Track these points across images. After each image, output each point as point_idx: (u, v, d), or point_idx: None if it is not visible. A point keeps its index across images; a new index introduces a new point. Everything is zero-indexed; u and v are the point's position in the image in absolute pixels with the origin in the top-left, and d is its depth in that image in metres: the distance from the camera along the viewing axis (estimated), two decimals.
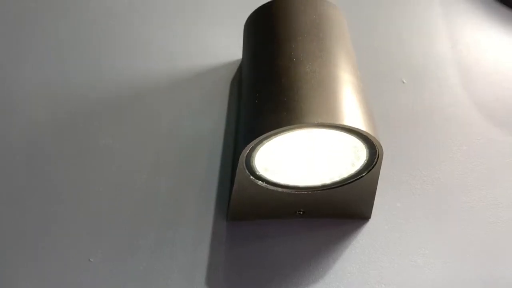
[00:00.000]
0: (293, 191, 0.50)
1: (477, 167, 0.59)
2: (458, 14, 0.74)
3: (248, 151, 0.44)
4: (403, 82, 0.64)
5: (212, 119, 0.61)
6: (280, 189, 0.50)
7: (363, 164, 0.47)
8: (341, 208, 0.53)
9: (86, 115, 0.61)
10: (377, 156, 0.45)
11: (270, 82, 0.45)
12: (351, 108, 0.43)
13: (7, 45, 0.67)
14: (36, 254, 0.51)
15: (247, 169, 0.47)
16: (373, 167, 0.47)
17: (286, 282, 0.51)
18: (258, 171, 0.47)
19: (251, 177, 0.48)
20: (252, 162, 0.46)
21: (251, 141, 0.43)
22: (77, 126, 0.60)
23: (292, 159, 0.49)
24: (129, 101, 0.62)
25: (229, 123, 0.61)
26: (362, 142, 0.44)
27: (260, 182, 0.49)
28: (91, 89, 0.62)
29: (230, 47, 0.66)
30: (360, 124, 0.42)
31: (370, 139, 0.43)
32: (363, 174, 0.48)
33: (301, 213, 0.54)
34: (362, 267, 0.52)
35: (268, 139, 0.43)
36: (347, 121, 0.41)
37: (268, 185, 0.49)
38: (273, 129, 0.42)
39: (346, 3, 0.64)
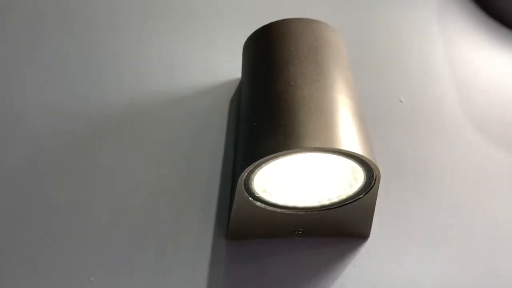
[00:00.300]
0: (291, 212, 0.51)
1: (475, 185, 0.59)
2: (455, 33, 0.74)
3: (246, 174, 0.45)
4: (401, 101, 0.64)
5: (211, 137, 0.61)
6: (278, 210, 0.50)
7: (361, 186, 0.47)
8: (340, 227, 0.54)
9: (88, 134, 0.61)
10: (374, 178, 0.46)
11: (268, 106, 0.46)
12: (348, 132, 0.43)
13: (11, 63, 0.67)
14: (36, 273, 0.51)
15: (246, 191, 0.48)
16: (370, 189, 0.47)
17: None
18: (256, 192, 0.48)
19: (250, 198, 0.48)
20: (251, 184, 0.47)
21: (250, 165, 0.43)
22: (78, 145, 0.60)
23: (290, 180, 0.49)
24: (130, 120, 0.63)
25: (229, 142, 0.61)
26: (359, 165, 0.45)
27: (258, 203, 0.49)
28: (92, 108, 0.63)
29: (230, 66, 0.67)
30: (357, 148, 0.42)
31: (367, 162, 0.44)
32: (361, 196, 0.48)
33: (300, 232, 0.54)
34: (361, 286, 0.53)
35: (267, 163, 0.44)
36: (344, 146, 0.42)
37: (267, 206, 0.50)
38: (272, 153, 0.42)
39: (344, 23, 0.65)
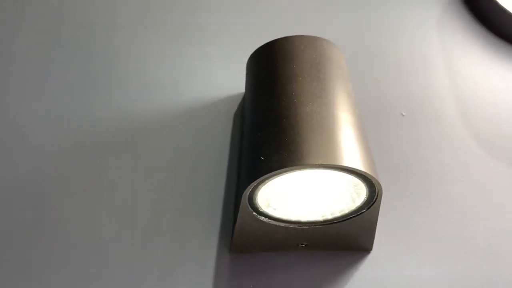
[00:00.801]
0: (295, 226, 0.51)
1: (476, 199, 0.60)
2: (455, 48, 0.75)
3: (250, 189, 0.46)
4: (402, 115, 0.65)
5: (215, 152, 0.62)
6: (282, 224, 0.51)
7: (363, 201, 0.48)
8: (343, 241, 0.54)
9: (91, 148, 0.62)
10: (376, 194, 0.47)
11: (271, 123, 0.47)
12: (350, 149, 0.44)
13: (15, 79, 0.68)
14: (40, 285, 0.52)
15: (249, 206, 0.48)
16: (373, 204, 0.48)
17: None
18: (260, 207, 0.49)
19: (254, 213, 0.49)
20: (255, 199, 0.48)
21: (254, 181, 0.44)
22: (82, 160, 0.61)
23: (293, 195, 0.50)
24: (134, 135, 0.63)
25: (232, 156, 0.62)
26: (362, 181, 0.45)
27: (262, 218, 0.50)
28: (96, 122, 0.64)
29: (233, 80, 0.68)
30: (359, 164, 0.43)
31: (369, 178, 0.45)
32: (363, 211, 0.49)
33: (304, 246, 0.55)
34: None
35: (270, 179, 0.45)
36: (346, 162, 0.43)
37: (271, 220, 0.50)
38: (275, 170, 0.43)
39: (345, 38, 0.66)
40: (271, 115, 0.47)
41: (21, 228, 0.55)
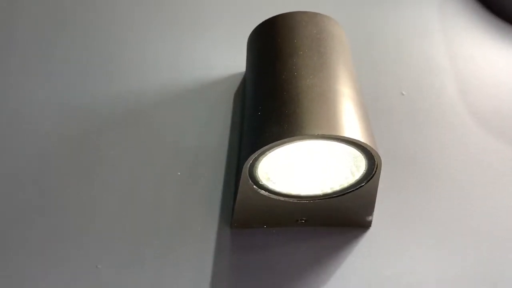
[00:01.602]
0: (294, 200, 0.52)
1: (475, 176, 0.60)
2: (456, 28, 0.75)
3: (251, 161, 0.46)
4: (403, 94, 0.65)
5: (216, 130, 0.63)
6: (282, 198, 0.52)
7: (362, 174, 0.48)
8: (342, 216, 0.55)
9: (94, 128, 0.62)
10: (375, 166, 0.47)
11: (272, 96, 0.47)
12: (350, 120, 0.45)
13: (18, 61, 0.68)
14: (44, 261, 0.52)
15: (250, 179, 0.49)
16: (372, 177, 0.48)
17: None
18: (261, 180, 0.49)
19: (254, 186, 0.50)
20: (255, 172, 0.48)
21: (254, 152, 0.45)
22: (85, 139, 0.61)
23: (293, 169, 0.51)
24: (135, 115, 0.64)
25: (233, 135, 0.62)
26: (361, 153, 0.46)
27: (263, 192, 0.51)
28: (98, 104, 0.64)
29: (234, 60, 0.68)
30: (359, 135, 0.44)
31: (369, 150, 0.45)
32: (363, 184, 0.50)
33: (303, 221, 0.55)
34: (363, 275, 0.53)
35: (271, 150, 0.45)
36: (346, 133, 0.43)
37: (271, 194, 0.51)
38: (275, 141, 0.43)
39: (345, 18, 0.66)
40: (272, 89, 0.48)
41: (24, 208, 0.56)
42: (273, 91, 0.47)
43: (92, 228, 0.55)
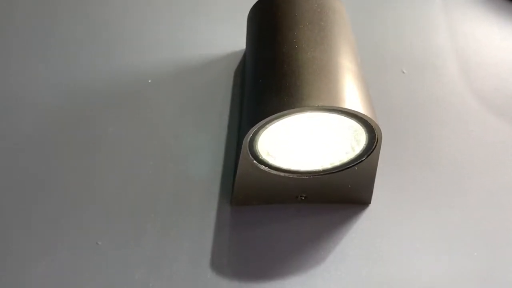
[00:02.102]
0: (294, 176, 0.52)
1: (475, 155, 0.60)
2: (458, 6, 0.75)
3: (251, 135, 0.46)
4: (403, 72, 0.65)
5: (216, 108, 0.62)
6: (282, 174, 0.51)
7: (362, 148, 0.48)
8: (342, 193, 0.55)
9: (94, 105, 0.62)
10: (376, 140, 0.47)
11: (272, 69, 0.47)
12: (351, 93, 0.44)
13: (15, 39, 0.68)
14: (44, 238, 0.53)
15: (250, 154, 0.49)
16: (372, 151, 0.48)
17: (289, 265, 0.53)
18: (261, 155, 0.49)
19: (254, 161, 0.49)
20: (255, 146, 0.48)
21: (254, 125, 0.44)
22: (85, 116, 0.61)
23: (293, 144, 0.50)
24: (135, 92, 0.63)
25: (233, 113, 0.62)
26: (362, 126, 0.46)
27: (262, 167, 0.50)
28: (98, 80, 0.64)
29: (234, 37, 0.67)
30: (359, 107, 0.43)
31: (369, 123, 0.45)
32: (363, 158, 0.49)
33: (303, 198, 0.55)
34: (362, 251, 0.54)
35: (271, 123, 0.45)
36: (347, 105, 0.43)
37: (271, 170, 0.51)
38: (275, 113, 0.43)
39: None
40: (272, 62, 0.47)
41: (24, 186, 0.56)
42: (273, 64, 0.47)
43: (92, 205, 0.55)
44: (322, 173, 0.52)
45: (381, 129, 0.46)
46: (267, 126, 0.45)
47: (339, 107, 0.43)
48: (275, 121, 0.44)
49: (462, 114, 0.62)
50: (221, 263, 0.52)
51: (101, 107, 0.62)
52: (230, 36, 0.68)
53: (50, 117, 0.61)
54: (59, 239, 0.53)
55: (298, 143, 0.50)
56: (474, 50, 0.68)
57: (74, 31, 0.69)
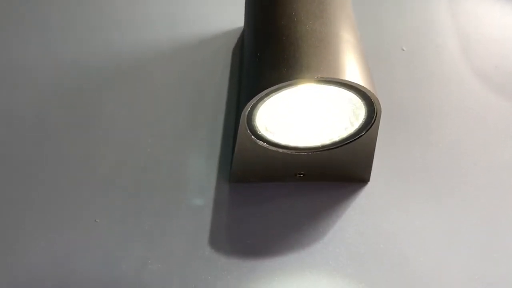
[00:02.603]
0: (293, 152, 0.51)
1: (475, 133, 0.60)
2: None
3: (249, 109, 0.46)
4: (403, 50, 0.65)
5: (214, 87, 0.62)
6: (280, 150, 0.51)
7: (361, 123, 0.48)
8: (341, 170, 0.55)
9: (91, 82, 0.61)
10: (375, 114, 0.46)
11: (271, 42, 0.46)
12: (350, 65, 0.44)
13: (12, 16, 0.67)
14: (43, 215, 0.53)
15: (248, 128, 0.48)
16: (371, 126, 0.48)
17: (288, 242, 0.52)
18: (259, 130, 0.49)
19: (253, 136, 0.49)
20: (253, 121, 0.47)
21: (252, 98, 0.44)
22: (83, 94, 0.61)
23: (292, 119, 0.50)
24: (133, 69, 0.63)
25: (231, 91, 0.61)
26: (361, 99, 0.45)
27: (261, 143, 0.50)
28: (97, 57, 0.63)
29: (232, 15, 0.67)
30: (359, 79, 0.43)
31: (368, 96, 0.44)
32: (362, 133, 0.49)
33: (301, 175, 0.55)
34: (360, 229, 0.53)
35: (269, 96, 0.44)
36: (347, 76, 0.42)
37: (269, 146, 0.51)
38: (274, 85, 0.42)
39: None
40: (271, 35, 0.47)
41: (22, 161, 0.56)
42: (271, 37, 0.46)
43: (90, 182, 0.55)
44: (321, 149, 0.51)
45: (381, 108, 0.45)
46: (265, 99, 0.45)
47: (338, 79, 0.42)
48: (273, 93, 0.44)
49: (461, 92, 0.62)
50: (219, 240, 0.52)
51: (98, 84, 0.61)
52: (229, 13, 0.67)
53: (49, 95, 0.60)
54: (58, 216, 0.52)
55: (297, 118, 0.50)
56: (474, 27, 0.67)
57: (71, 9, 0.68)
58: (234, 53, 0.64)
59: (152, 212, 0.53)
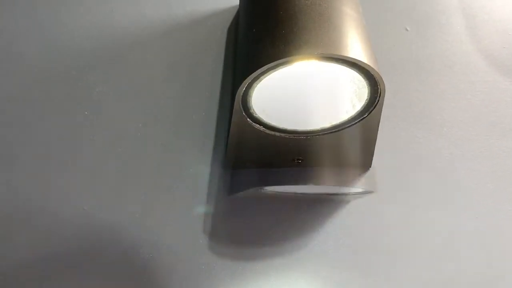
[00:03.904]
0: (291, 136, 0.49)
1: (481, 116, 0.57)
2: None
3: (244, 88, 0.42)
4: (407, 30, 0.61)
5: (208, 67, 0.59)
6: (278, 134, 0.48)
7: (364, 104, 0.45)
8: (341, 156, 0.52)
9: (82, 63, 0.59)
10: (379, 94, 0.43)
11: (267, 16, 0.43)
12: (352, 41, 0.41)
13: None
14: (30, 199, 0.51)
15: (244, 111, 0.45)
16: (375, 107, 0.45)
17: (284, 229, 0.51)
18: (255, 112, 0.46)
19: (248, 119, 0.46)
20: (249, 102, 0.44)
21: (248, 77, 0.41)
22: (72, 75, 0.58)
23: (290, 101, 0.47)
24: (125, 49, 0.60)
25: (226, 71, 0.58)
26: (364, 78, 0.42)
27: (257, 126, 0.47)
28: (86, 37, 0.60)
29: None
30: (362, 57, 0.40)
31: (372, 74, 0.41)
32: (365, 115, 0.46)
33: (299, 161, 0.52)
34: (361, 216, 0.52)
35: (266, 74, 0.41)
36: (349, 53, 0.39)
37: (266, 129, 0.48)
38: (270, 62, 0.39)
39: None
40: (267, 8, 0.43)
41: (12, 142, 0.54)
42: (268, 11, 0.43)
43: (78, 168, 0.53)
44: (320, 133, 0.48)
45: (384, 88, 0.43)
46: (261, 78, 0.41)
47: (340, 55, 0.39)
48: (270, 72, 0.41)
49: (467, 74, 0.59)
50: (214, 230, 0.50)
51: (89, 64, 0.58)
52: None
53: (37, 77, 0.58)
54: (45, 202, 0.50)
55: (295, 100, 0.47)
56: (481, 6, 0.64)
57: None
58: (229, 32, 0.61)
59: (143, 198, 0.52)
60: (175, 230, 0.51)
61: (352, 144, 0.50)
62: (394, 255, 0.51)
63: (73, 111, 0.56)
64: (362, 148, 0.51)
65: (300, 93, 0.47)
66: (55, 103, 0.56)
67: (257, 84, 0.42)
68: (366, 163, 0.53)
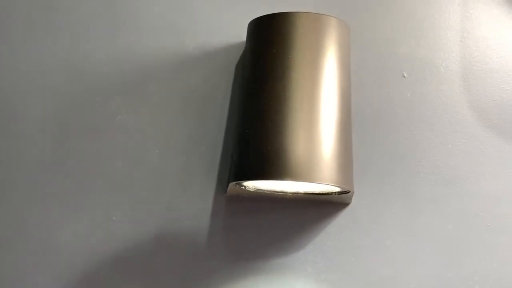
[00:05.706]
0: (279, 194, 0.60)
1: (458, 164, 0.62)
2: (475, 7, 0.67)
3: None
4: (404, 76, 0.64)
5: (217, 100, 0.64)
6: (268, 192, 0.59)
7: (340, 190, 0.56)
8: (324, 198, 0.61)
9: (102, 92, 0.63)
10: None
11: (259, 124, 0.51)
12: (331, 163, 0.50)
13: (27, 21, 0.66)
14: (64, 216, 0.61)
15: (237, 185, 0.56)
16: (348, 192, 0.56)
17: (274, 249, 0.61)
18: (247, 187, 0.57)
19: (242, 187, 0.57)
20: (241, 184, 0.56)
21: (239, 180, 0.53)
22: (91, 102, 0.63)
23: (277, 183, 0.57)
24: (142, 78, 0.64)
25: (233, 105, 0.64)
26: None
27: (250, 188, 0.58)
28: (104, 65, 0.64)
29: (236, 28, 0.65)
30: (339, 181, 0.50)
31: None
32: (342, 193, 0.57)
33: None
34: (361, 218, 0.60)
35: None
36: (325, 181, 0.49)
37: (258, 191, 0.59)
38: (258, 178, 0.51)
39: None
40: (259, 113, 0.52)
41: (42, 165, 0.62)
42: (260, 117, 0.51)
43: (99, 190, 0.61)
44: (304, 194, 0.59)
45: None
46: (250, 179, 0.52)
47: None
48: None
49: (453, 124, 0.62)
50: (216, 244, 0.61)
51: (110, 94, 0.64)
52: (232, 27, 0.66)
53: (62, 103, 0.63)
54: (78, 220, 0.60)
55: (282, 184, 0.58)
56: (482, 55, 0.62)
57: (83, 18, 0.66)
58: (237, 68, 0.65)
59: (159, 217, 0.61)
60: (176, 230, 0.61)
61: (332, 198, 0.59)
62: (393, 258, 0.60)
63: (97, 137, 0.62)
64: (343, 197, 0.59)
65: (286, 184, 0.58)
66: (80, 128, 0.63)
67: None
68: (346, 202, 0.61)
